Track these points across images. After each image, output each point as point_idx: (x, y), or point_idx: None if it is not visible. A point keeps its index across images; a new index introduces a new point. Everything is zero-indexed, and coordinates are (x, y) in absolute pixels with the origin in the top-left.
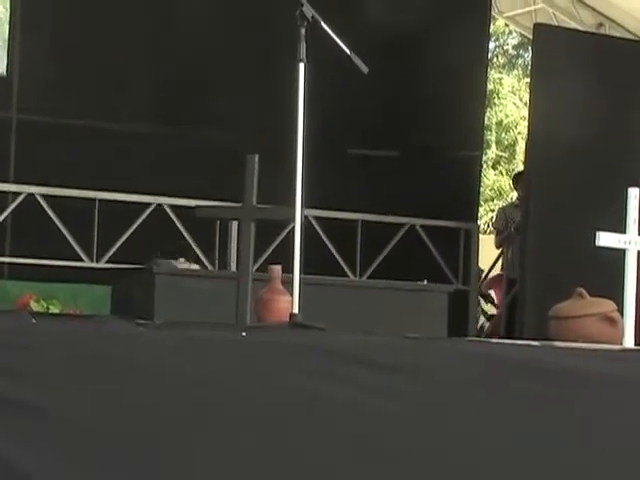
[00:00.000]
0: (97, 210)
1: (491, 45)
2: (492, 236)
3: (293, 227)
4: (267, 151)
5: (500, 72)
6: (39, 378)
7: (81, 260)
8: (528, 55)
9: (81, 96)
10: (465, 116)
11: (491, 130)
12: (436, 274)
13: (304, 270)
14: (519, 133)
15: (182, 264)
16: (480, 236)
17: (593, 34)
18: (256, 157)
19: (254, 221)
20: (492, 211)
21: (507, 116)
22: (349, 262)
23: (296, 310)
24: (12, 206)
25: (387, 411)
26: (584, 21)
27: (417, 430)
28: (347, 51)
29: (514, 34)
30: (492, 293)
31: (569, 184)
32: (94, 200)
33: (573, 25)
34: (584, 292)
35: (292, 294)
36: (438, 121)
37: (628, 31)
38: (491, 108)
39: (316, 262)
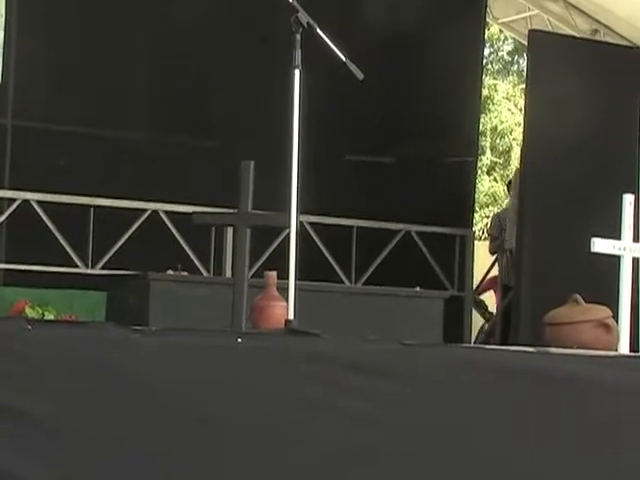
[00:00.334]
0: (92, 216)
1: (486, 51)
2: (487, 242)
3: (289, 233)
4: (263, 158)
5: (495, 78)
6: (34, 384)
7: (76, 266)
8: (523, 61)
9: (76, 103)
10: (460, 122)
11: (486, 136)
12: (431, 280)
13: (299, 276)
14: (514, 139)
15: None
16: (475, 242)
17: (588, 40)
18: (251, 163)
19: (249, 227)
20: (487, 217)
21: (502, 122)
22: (345, 268)
23: (291, 316)
24: (7, 212)
25: (383, 417)
26: (579, 27)
27: (413, 436)
28: (342, 57)
29: (509, 40)
30: (489, 295)
31: (564, 190)
32: (90, 206)
33: (568, 31)
34: (579, 298)
35: (287, 300)
36: (433, 127)
37: (623, 37)
38: (486, 114)
39: (312, 268)
